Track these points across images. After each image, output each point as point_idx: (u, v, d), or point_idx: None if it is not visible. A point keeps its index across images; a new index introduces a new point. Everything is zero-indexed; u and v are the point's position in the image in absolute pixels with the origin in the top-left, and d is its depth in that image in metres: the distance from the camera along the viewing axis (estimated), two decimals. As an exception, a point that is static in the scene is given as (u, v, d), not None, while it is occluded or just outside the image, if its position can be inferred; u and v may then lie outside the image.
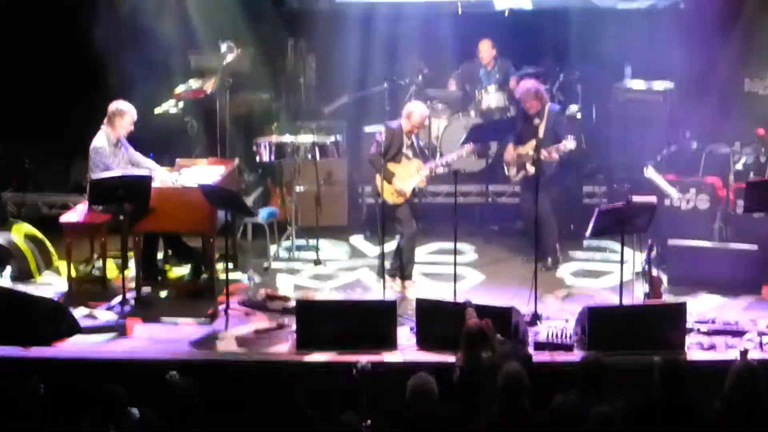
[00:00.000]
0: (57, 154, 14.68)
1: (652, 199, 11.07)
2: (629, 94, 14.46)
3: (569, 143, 12.04)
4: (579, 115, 14.71)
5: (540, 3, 15.52)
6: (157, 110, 14.61)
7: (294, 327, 10.53)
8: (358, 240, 13.55)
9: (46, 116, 14.69)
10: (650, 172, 12.18)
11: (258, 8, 15.22)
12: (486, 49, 14.84)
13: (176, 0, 14.92)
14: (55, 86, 14.80)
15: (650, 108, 14.37)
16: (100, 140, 11.83)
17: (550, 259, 12.46)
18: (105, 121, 11.95)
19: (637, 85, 14.50)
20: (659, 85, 14.44)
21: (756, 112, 13.93)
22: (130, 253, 11.84)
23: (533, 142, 11.94)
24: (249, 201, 13.22)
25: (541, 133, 12.17)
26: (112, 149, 11.83)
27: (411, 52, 15.21)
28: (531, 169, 11.96)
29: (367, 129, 14.36)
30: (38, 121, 14.66)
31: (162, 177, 11.90)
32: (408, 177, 11.81)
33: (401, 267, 11.86)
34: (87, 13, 14.52)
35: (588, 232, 10.76)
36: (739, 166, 13.13)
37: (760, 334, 10.40)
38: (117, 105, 11.97)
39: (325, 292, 11.95)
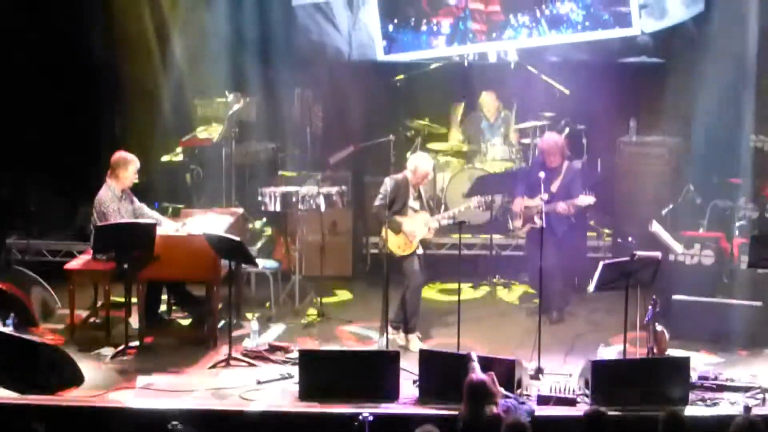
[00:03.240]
0: (62, 198, 14.71)
1: (657, 253, 11.06)
2: (634, 147, 14.46)
3: (588, 198, 12.11)
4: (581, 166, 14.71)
5: (546, 55, 15.57)
6: (164, 158, 14.64)
7: (296, 377, 10.50)
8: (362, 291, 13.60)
9: (51, 160, 14.73)
10: (655, 227, 12.19)
11: (265, 58, 15.31)
12: (490, 102, 14.89)
13: (184, 48, 15.01)
14: (62, 130, 14.87)
15: (655, 162, 14.36)
16: (104, 193, 11.86)
17: (555, 313, 12.45)
18: (108, 173, 11.96)
19: (642, 139, 14.52)
20: (664, 139, 14.45)
21: (761, 168, 13.95)
22: (134, 301, 11.85)
23: (545, 196, 11.94)
24: (253, 250, 13.22)
25: (555, 188, 12.23)
26: (116, 203, 11.83)
27: (416, 105, 15.29)
28: (539, 222, 11.95)
29: (372, 180, 14.37)
30: (44, 165, 14.68)
31: (167, 228, 11.91)
32: (415, 229, 11.82)
33: (405, 319, 11.84)
34: (95, 59, 14.64)
35: (592, 287, 10.76)
36: (743, 222, 13.16)
37: (764, 390, 10.36)
38: (119, 156, 12.00)
39: (328, 343, 11.93)
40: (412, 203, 11.94)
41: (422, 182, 12.00)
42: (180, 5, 15.15)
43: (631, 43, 15.39)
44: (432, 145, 14.87)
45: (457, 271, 11.78)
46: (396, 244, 11.76)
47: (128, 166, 11.95)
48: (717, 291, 12.38)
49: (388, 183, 11.76)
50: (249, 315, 12.38)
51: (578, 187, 12.45)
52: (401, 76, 15.18)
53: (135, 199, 12.14)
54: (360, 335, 12.24)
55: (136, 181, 12.09)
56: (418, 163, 11.94)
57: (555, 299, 12.44)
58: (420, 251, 11.96)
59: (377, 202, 11.84)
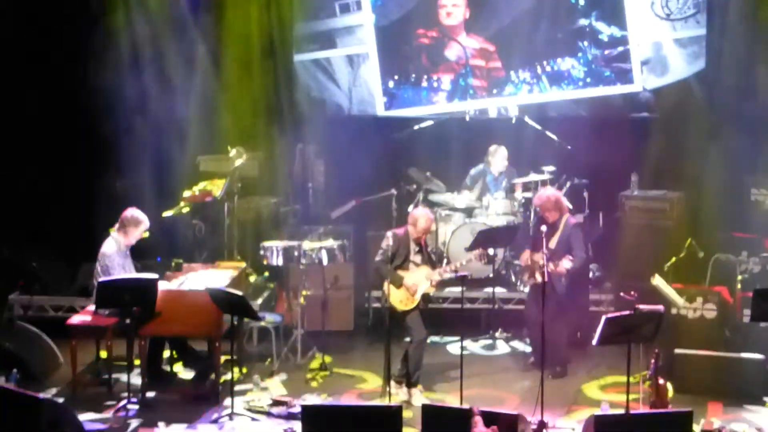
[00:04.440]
0: (64, 257, 14.72)
1: (659, 307, 11.05)
2: (635, 202, 14.50)
3: (565, 263, 12.07)
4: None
5: (547, 111, 15.63)
6: (166, 213, 14.67)
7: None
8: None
9: (52, 217, 14.76)
10: (657, 281, 12.21)
11: (267, 113, 15.39)
12: (499, 156, 14.92)
13: (186, 104, 15.09)
14: (63, 187, 14.91)
15: (657, 216, 14.39)
16: (110, 247, 11.94)
17: (557, 367, 12.43)
18: (117, 226, 12.06)
19: (644, 193, 14.55)
20: (665, 193, 14.48)
21: (762, 222, 13.97)
22: (136, 357, 11.86)
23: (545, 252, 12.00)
24: (255, 305, 13.21)
25: (553, 244, 12.25)
26: (121, 257, 11.93)
27: (417, 159, 15.32)
28: (539, 278, 11.99)
29: (374, 234, 14.39)
30: (44, 223, 14.71)
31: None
32: (417, 283, 11.83)
33: (408, 374, 11.82)
34: (97, 115, 14.69)
35: (595, 341, 10.72)
36: (745, 275, 13.16)
37: (768, 444, 10.36)
38: (132, 213, 12.12)
39: (331, 397, 11.90)
40: (414, 257, 11.97)
41: (423, 236, 12.02)
42: (183, 62, 15.27)
43: (632, 99, 15.47)
44: (433, 198, 14.89)
45: (460, 324, 11.78)
46: (398, 299, 11.77)
47: (139, 225, 12.12)
48: (720, 345, 12.35)
49: (389, 238, 11.78)
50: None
51: (578, 242, 12.46)
52: (424, 125, 15.17)
53: None
54: (362, 390, 12.21)
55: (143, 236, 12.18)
56: (419, 217, 11.97)
57: (557, 353, 12.42)
58: (423, 306, 11.97)
59: (378, 257, 11.88)
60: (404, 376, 11.85)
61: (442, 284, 12.63)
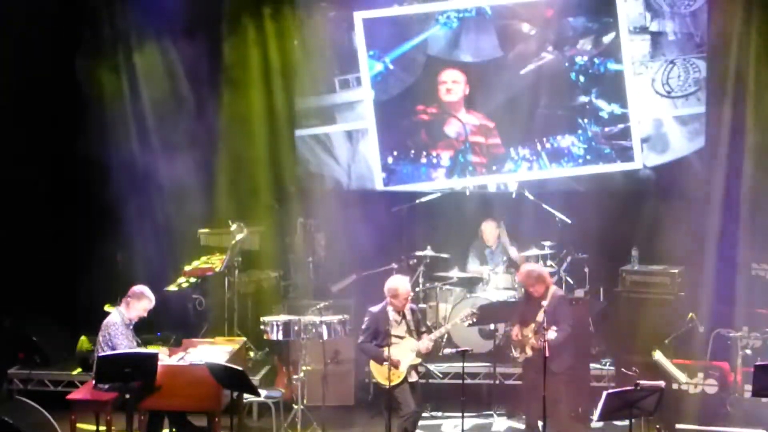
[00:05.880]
0: (64, 330, 14.69)
1: (660, 383, 11.03)
2: (636, 276, 14.51)
3: (550, 334, 11.98)
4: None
5: (546, 186, 15.66)
6: (167, 288, 14.68)
7: None
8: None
9: (52, 290, 14.75)
10: (658, 356, 12.18)
11: (268, 188, 15.44)
12: (490, 230, 15.00)
13: (187, 178, 15.15)
14: (63, 260, 14.92)
15: (657, 291, 14.39)
16: (114, 318, 11.94)
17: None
18: (123, 300, 12.06)
19: (644, 267, 14.56)
20: (666, 268, 14.49)
21: (763, 297, 13.97)
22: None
23: (532, 325, 12.00)
24: (255, 379, 13.18)
25: (540, 317, 12.19)
26: (124, 329, 11.92)
27: (417, 233, 15.36)
28: (529, 352, 12.01)
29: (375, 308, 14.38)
30: (45, 295, 14.70)
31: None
32: (401, 356, 11.79)
33: (407, 449, 11.77)
34: (97, 187, 14.76)
35: (596, 417, 10.70)
36: (747, 351, 13.14)
37: None
38: (140, 290, 12.13)
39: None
40: (396, 330, 11.92)
41: (406, 304, 11.99)
42: (184, 135, 15.36)
43: (632, 175, 15.50)
44: (435, 272, 14.90)
45: (461, 400, 11.72)
46: (383, 375, 11.71)
47: (141, 300, 12.10)
48: (721, 420, 12.31)
49: (368, 316, 11.85)
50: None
51: (563, 314, 12.34)
52: (424, 199, 15.23)
53: None
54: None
55: (144, 316, 12.17)
56: (397, 285, 11.98)
57: (558, 426, 12.33)
58: (413, 378, 11.92)
59: (360, 337, 11.94)
60: (400, 451, 11.79)
61: (444, 359, 12.56)
